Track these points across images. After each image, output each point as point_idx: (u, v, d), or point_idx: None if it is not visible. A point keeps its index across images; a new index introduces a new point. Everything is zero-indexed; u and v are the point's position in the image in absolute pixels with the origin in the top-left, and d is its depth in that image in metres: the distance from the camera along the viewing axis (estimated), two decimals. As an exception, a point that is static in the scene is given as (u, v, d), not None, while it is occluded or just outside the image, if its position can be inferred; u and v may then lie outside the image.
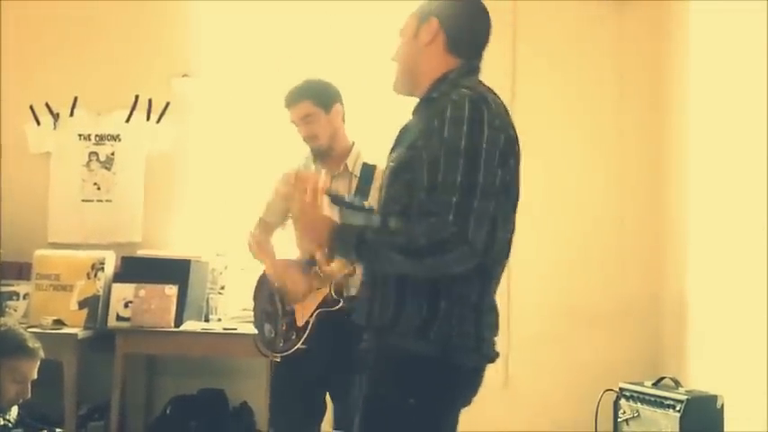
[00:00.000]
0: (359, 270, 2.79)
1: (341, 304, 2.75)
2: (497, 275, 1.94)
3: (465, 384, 1.92)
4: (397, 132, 1.99)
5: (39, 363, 2.63)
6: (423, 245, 1.73)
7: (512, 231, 1.93)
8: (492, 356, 1.94)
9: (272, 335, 2.88)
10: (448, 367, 1.84)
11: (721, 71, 3.46)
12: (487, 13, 2.01)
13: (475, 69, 1.96)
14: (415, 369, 1.82)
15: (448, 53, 1.93)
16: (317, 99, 2.90)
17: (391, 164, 1.89)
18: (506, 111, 1.89)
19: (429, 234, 1.73)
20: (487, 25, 2.00)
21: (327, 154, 2.94)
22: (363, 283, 2.00)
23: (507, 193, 1.85)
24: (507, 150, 1.82)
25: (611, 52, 4.12)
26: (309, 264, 2.81)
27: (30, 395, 2.62)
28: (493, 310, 1.94)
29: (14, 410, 2.73)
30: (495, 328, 1.95)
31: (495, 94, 1.91)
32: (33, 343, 2.64)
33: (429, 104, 1.89)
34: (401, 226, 1.82)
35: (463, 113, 1.77)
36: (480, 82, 1.95)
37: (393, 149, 1.95)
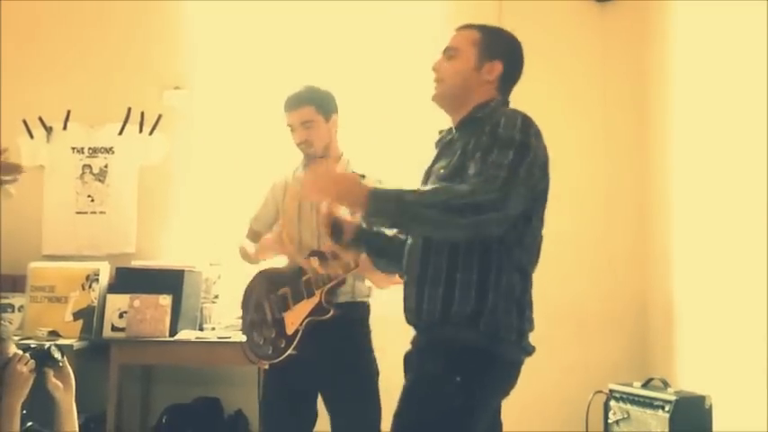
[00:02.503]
0: (348, 278, 2.85)
1: (331, 313, 2.78)
2: (533, 273, 2.12)
3: (507, 376, 2.06)
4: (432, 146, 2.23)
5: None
6: (464, 203, 1.87)
7: (538, 239, 2.14)
8: (530, 350, 2.09)
9: (261, 342, 2.90)
10: (494, 358, 1.99)
11: (705, 71, 3.50)
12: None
13: (508, 102, 2.21)
14: (464, 356, 1.96)
15: (497, 90, 2.17)
16: (319, 106, 2.91)
17: (441, 170, 2.06)
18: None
19: (472, 193, 1.88)
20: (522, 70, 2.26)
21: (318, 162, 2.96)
22: (406, 283, 2.12)
23: (543, 200, 2.10)
24: (546, 163, 2.07)
25: (596, 52, 4.18)
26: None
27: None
28: (531, 306, 2.09)
29: None
30: (532, 323, 2.09)
31: None
32: None
33: (474, 122, 2.08)
34: (443, 186, 1.98)
35: (516, 122, 2.00)
36: None
37: (437, 161, 2.15)
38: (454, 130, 2.16)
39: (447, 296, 1.99)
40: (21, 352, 2.47)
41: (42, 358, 2.48)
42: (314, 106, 2.90)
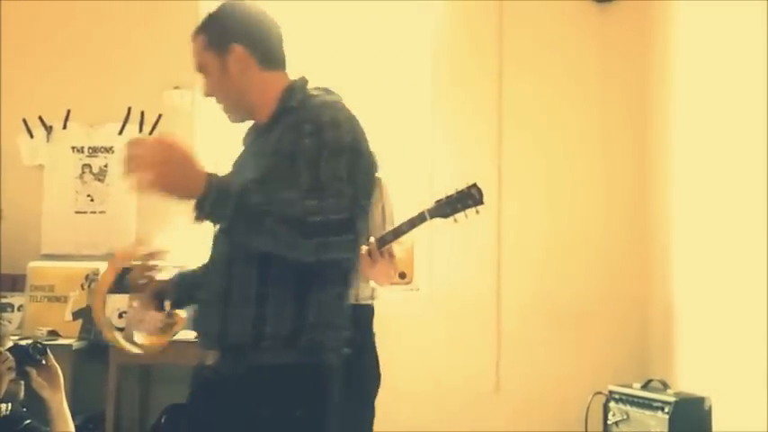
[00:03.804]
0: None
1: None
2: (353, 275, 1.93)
3: (334, 382, 1.87)
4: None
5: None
6: (316, 222, 1.63)
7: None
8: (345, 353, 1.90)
9: None
10: (320, 369, 1.80)
11: (705, 71, 3.50)
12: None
13: (306, 80, 1.93)
14: (292, 381, 1.75)
15: (259, 68, 1.89)
16: None
17: (255, 170, 1.81)
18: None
19: (322, 211, 1.64)
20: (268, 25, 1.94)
21: None
22: (203, 301, 1.87)
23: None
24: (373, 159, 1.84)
25: (596, 54, 4.18)
26: None
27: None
28: (348, 309, 1.89)
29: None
30: (348, 324, 1.90)
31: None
32: None
33: (288, 113, 1.85)
34: (297, 198, 1.66)
35: (340, 120, 1.77)
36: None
37: (249, 158, 1.92)
38: (266, 125, 1.90)
39: (260, 314, 1.73)
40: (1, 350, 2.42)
41: (22, 356, 2.41)
42: None
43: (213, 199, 1.62)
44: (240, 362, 1.76)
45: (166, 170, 1.62)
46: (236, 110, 1.92)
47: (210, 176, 1.64)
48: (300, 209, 1.64)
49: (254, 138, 1.95)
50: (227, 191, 1.63)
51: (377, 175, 1.93)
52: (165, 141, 1.65)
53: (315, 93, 1.90)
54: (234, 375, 1.76)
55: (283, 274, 1.74)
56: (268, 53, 1.91)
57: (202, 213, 1.65)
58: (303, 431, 1.77)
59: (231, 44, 1.86)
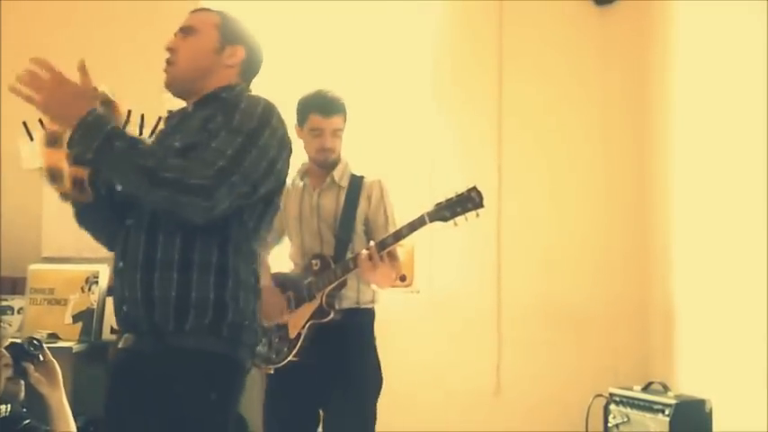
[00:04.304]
0: (353, 282, 2.84)
1: (331, 316, 2.78)
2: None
3: (243, 380, 1.94)
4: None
5: None
6: (170, 177, 1.75)
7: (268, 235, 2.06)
8: (254, 355, 2.02)
9: (266, 348, 2.91)
10: (237, 364, 1.88)
11: (705, 72, 3.50)
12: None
13: (250, 90, 2.06)
14: (212, 367, 1.82)
15: (239, 76, 2.04)
16: (345, 114, 2.91)
17: (176, 144, 1.91)
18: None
19: (183, 171, 1.75)
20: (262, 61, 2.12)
21: (326, 167, 2.94)
22: (121, 269, 1.91)
23: (278, 192, 1.97)
24: (282, 156, 1.92)
25: (595, 55, 4.19)
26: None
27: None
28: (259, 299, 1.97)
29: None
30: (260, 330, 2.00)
31: None
32: None
33: (217, 101, 1.96)
34: (156, 150, 1.83)
35: (256, 109, 1.88)
36: None
37: (170, 134, 2.01)
38: (191, 108, 2.03)
39: (182, 297, 1.81)
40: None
41: (18, 352, 2.42)
42: (344, 115, 2.89)
43: (83, 131, 1.77)
44: (160, 343, 1.82)
45: (56, 93, 1.83)
46: (185, 81, 2.02)
47: (91, 113, 1.78)
48: (156, 161, 1.76)
49: (180, 118, 2.05)
50: (98, 128, 1.77)
51: (283, 178, 1.97)
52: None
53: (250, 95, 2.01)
54: (153, 355, 1.83)
55: (206, 249, 1.82)
56: (249, 74, 2.07)
57: (71, 142, 1.79)
58: (211, 416, 1.81)
59: (240, 44, 2.02)
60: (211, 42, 2.00)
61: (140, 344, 1.87)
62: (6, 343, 2.48)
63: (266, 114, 1.89)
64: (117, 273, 1.94)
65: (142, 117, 4.22)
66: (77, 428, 3.54)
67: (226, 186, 1.77)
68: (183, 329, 1.81)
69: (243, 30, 2.05)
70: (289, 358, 2.80)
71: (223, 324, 1.83)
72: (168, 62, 2.03)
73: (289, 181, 2.97)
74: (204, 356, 1.82)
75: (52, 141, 1.87)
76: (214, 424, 1.83)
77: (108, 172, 1.84)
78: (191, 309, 1.81)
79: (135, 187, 1.80)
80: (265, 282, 2.91)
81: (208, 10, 2.07)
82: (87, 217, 2.05)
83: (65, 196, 1.98)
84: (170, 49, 2.04)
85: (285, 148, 1.93)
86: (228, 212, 1.82)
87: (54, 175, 1.90)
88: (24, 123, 4.24)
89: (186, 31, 2.03)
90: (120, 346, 1.93)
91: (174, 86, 2.04)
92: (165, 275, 1.82)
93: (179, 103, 2.11)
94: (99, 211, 2.02)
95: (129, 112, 4.23)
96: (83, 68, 1.98)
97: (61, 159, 1.87)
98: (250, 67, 2.06)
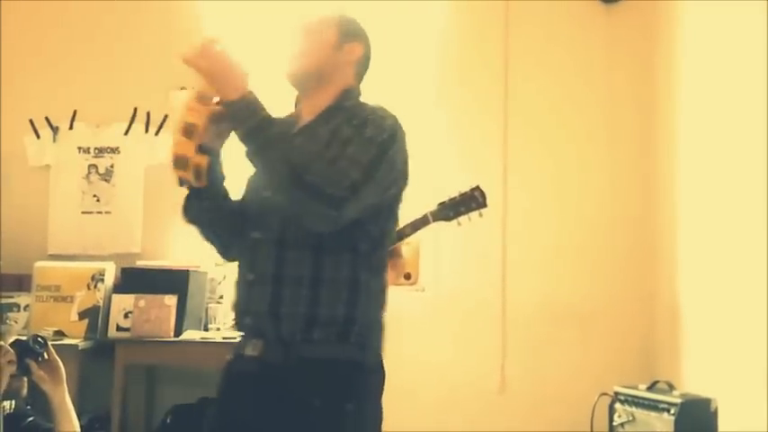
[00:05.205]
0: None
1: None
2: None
3: (382, 380, 1.95)
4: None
5: None
6: (309, 180, 1.75)
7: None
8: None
9: None
10: (370, 367, 1.90)
11: (711, 71, 3.49)
12: None
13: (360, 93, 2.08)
14: (342, 374, 1.84)
15: (354, 76, 2.06)
16: None
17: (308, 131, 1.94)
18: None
19: (322, 178, 1.76)
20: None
21: None
22: (251, 281, 1.91)
23: (398, 202, 1.98)
24: (406, 168, 1.96)
25: (602, 53, 4.18)
26: None
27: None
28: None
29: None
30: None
31: None
32: None
33: (340, 112, 1.96)
34: (308, 149, 1.82)
35: (385, 122, 1.90)
36: None
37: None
38: (313, 116, 2.00)
39: (312, 299, 1.83)
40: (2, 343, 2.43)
41: (22, 349, 2.42)
42: None
43: (241, 106, 1.81)
44: (291, 353, 1.83)
45: (221, 63, 1.84)
46: (305, 76, 2.02)
47: (252, 93, 1.83)
48: (304, 160, 1.76)
49: (305, 125, 2.03)
50: (256, 109, 1.82)
51: (403, 187, 1.99)
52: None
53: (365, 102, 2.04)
54: (284, 366, 1.84)
55: (336, 262, 1.85)
56: (362, 73, 2.09)
57: (230, 111, 1.84)
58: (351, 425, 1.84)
59: (357, 42, 2.05)
60: (330, 39, 2.03)
61: (268, 353, 1.87)
62: (11, 340, 2.48)
63: (395, 126, 1.92)
64: (245, 284, 1.95)
65: (148, 114, 4.24)
66: (82, 427, 3.55)
67: (356, 199, 1.79)
68: (311, 340, 1.83)
69: (360, 28, 2.09)
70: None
71: (351, 332, 1.86)
72: (292, 56, 2.04)
73: None
74: (334, 365, 1.84)
75: (188, 132, 1.92)
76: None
77: (253, 155, 1.84)
78: (319, 323, 1.84)
79: (276, 178, 1.81)
80: None
81: (327, 10, 2.11)
82: (200, 214, 2.07)
83: (182, 181, 2.04)
84: (291, 46, 2.06)
85: (407, 159, 1.97)
86: (353, 223, 1.84)
87: (180, 163, 1.96)
88: (31, 121, 4.26)
89: (307, 27, 2.06)
90: (245, 352, 1.92)
91: (296, 80, 2.05)
92: (294, 292, 1.84)
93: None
94: (215, 212, 2.04)
95: (135, 109, 4.26)
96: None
97: (191, 149, 1.94)
98: (364, 66, 2.09)
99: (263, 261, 1.89)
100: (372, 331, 1.91)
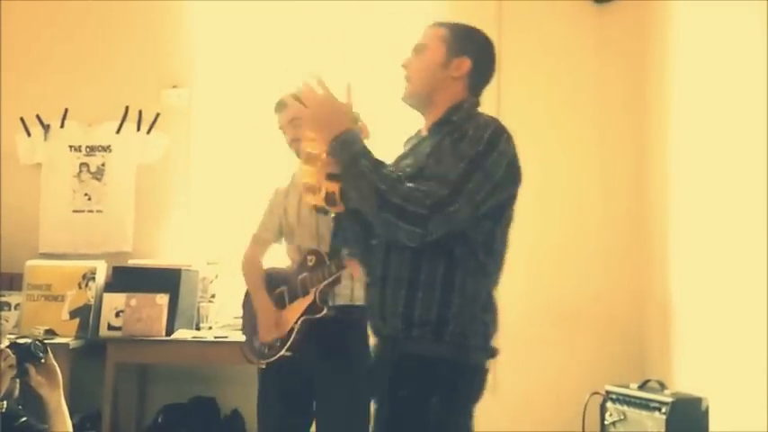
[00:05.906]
0: (347, 280, 2.84)
1: (324, 312, 2.78)
2: (498, 280, 2.10)
3: (476, 382, 2.03)
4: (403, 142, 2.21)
5: None
6: (394, 203, 1.86)
7: (506, 244, 2.13)
8: (495, 354, 2.06)
9: (259, 342, 2.91)
10: (463, 367, 1.97)
11: (703, 71, 3.50)
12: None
13: (479, 103, 2.16)
14: (434, 371, 1.94)
15: (466, 89, 2.12)
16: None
17: (407, 169, 2.01)
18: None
19: (406, 199, 1.86)
20: (494, 69, 2.20)
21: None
22: (369, 285, 2.06)
23: (509, 208, 2.10)
24: (510, 174, 2.04)
25: (594, 54, 4.18)
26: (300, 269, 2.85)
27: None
28: (496, 308, 2.06)
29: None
30: (497, 324, 2.07)
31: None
32: None
33: (449, 124, 2.05)
34: (391, 174, 1.93)
35: (484, 134, 1.97)
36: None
37: (404, 158, 2.11)
38: (426, 132, 2.13)
39: (409, 305, 1.95)
40: (2, 346, 2.44)
41: (22, 353, 2.42)
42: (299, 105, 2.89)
43: (338, 146, 1.95)
44: (393, 351, 1.98)
45: (323, 109, 2.00)
46: (418, 96, 2.12)
47: (346, 131, 1.96)
48: (388, 184, 1.88)
49: (416, 142, 2.14)
50: (350, 146, 1.95)
51: (509, 198, 2.10)
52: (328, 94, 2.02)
53: (480, 112, 2.11)
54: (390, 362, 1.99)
55: (432, 264, 1.94)
56: (478, 85, 2.15)
57: (329, 149, 1.97)
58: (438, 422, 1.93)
59: (466, 56, 2.10)
60: (438, 57, 2.10)
61: (379, 349, 2.07)
62: (5, 341, 2.48)
63: (494, 137, 1.97)
64: (366, 286, 2.11)
65: (140, 113, 4.23)
66: (73, 426, 3.55)
67: (441, 216, 1.87)
68: (410, 337, 1.95)
69: (470, 42, 2.14)
70: (281, 353, 2.80)
71: (445, 332, 1.94)
72: (406, 79, 2.14)
73: (290, 180, 3.01)
74: (426, 361, 1.94)
75: (311, 161, 2.05)
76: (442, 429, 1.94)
77: (349, 188, 1.99)
78: (416, 322, 1.94)
79: (367, 207, 1.93)
80: (258, 282, 2.96)
81: (438, 25, 2.17)
82: (349, 238, 2.21)
83: (320, 210, 2.16)
84: (404, 67, 2.14)
85: (513, 169, 2.04)
86: (454, 233, 1.92)
87: (310, 190, 2.08)
88: (22, 119, 4.25)
89: (418, 48, 2.13)
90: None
91: (409, 101, 2.14)
92: (396, 292, 1.96)
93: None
94: (350, 225, 2.16)
95: (127, 108, 4.25)
96: (349, 91, 2.11)
97: (319, 177, 2.05)
98: (478, 78, 2.14)
99: (375, 264, 2.03)
100: (470, 332, 1.96)
